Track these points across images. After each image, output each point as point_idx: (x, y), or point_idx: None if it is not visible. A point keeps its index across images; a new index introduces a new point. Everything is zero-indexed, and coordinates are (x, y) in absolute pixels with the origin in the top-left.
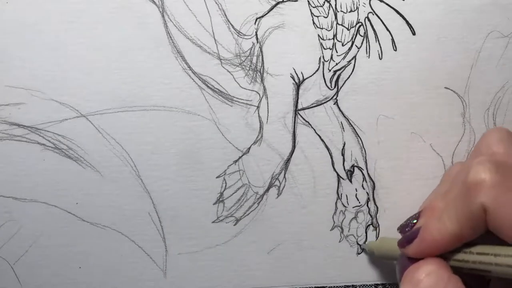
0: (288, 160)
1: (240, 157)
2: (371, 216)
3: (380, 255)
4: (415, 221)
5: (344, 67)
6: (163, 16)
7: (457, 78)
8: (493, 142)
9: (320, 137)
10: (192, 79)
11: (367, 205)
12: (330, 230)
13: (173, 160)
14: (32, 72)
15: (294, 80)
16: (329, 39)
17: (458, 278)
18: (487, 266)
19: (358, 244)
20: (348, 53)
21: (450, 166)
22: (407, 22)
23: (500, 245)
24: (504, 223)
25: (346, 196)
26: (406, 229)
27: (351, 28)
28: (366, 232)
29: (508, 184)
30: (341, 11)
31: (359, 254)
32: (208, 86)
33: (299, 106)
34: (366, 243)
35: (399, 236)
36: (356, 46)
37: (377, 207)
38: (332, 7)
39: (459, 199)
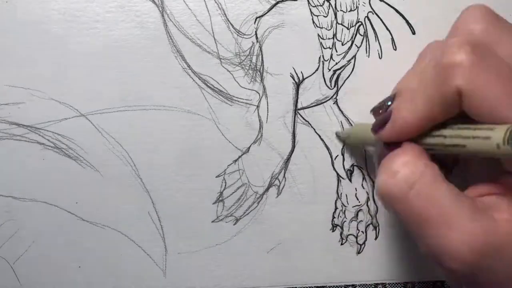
0: (288, 160)
1: (239, 157)
2: (371, 215)
3: (354, 140)
4: (389, 103)
5: (344, 66)
6: (162, 15)
7: None
8: (471, 19)
9: (320, 136)
10: (192, 78)
11: (367, 205)
12: (330, 230)
13: (172, 159)
14: (32, 72)
15: (293, 79)
16: (329, 39)
17: (435, 165)
18: (465, 140)
19: (357, 243)
20: (348, 52)
21: (428, 44)
22: (407, 21)
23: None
24: (482, 104)
25: (346, 195)
26: (380, 111)
27: (351, 27)
28: (366, 232)
29: (484, 64)
30: (341, 10)
31: (359, 253)
32: (207, 86)
33: (299, 106)
34: (341, 130)
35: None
36: (356, 46)
37: (377, 207)
38: (332, 6)
39: (433, 80)
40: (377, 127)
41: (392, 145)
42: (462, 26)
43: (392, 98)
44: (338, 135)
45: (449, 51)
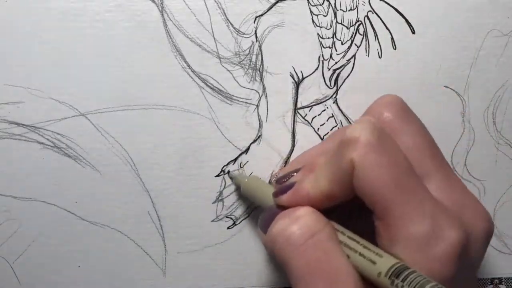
0: (287, 159)
1: (239, 156)
2: None
3: (245, 192)
4: (295, 173)
5: (344, 65)
6: (162, 14)
7: (456, 77)
8: (382, 106)
9: (319, 136)
10: (191, 77)
11: None
12: None
13: (172, 159)
14: (31, 71)
15: (293, 78)
16: (328, 38)
17: (332, 226)
18: (351, 252)
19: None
20: (347, 51)
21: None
22: (406, 21)
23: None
24: (368, 183)
25: None
26: (283, 180)
27: (350, 26)
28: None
29: (380, 146)
30: (340, 9)
31: None
32: (207, 85)
33: (299, 105)
34: (235, 172)
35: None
36: (356, 45)
37: None
38: (331, 5)
39: (334, 155)
40: (279, 193)
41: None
42: (374, 110)
43: (297, 170)
44: (231, 176)
45: (352, 127)
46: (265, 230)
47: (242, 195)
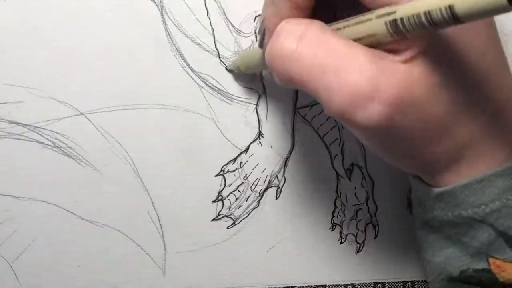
0: (287, 159)
1: (239, 155)
2: (370, 214)
3: (245, 67)
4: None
5: None
6: (162, 14)
7: None
8: None
9: (319, 135)
10: (191, 77)
11: (367, 204)
12: (329, 229)
13: (172, 158)
14: (31, 71)
15: None
16: None
17: (320, 21)
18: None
19: (357, 242)
20: None
21: None
22: None
23: None
24: None
25: (345, 194)
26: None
27: None
28: (365, 231)
29: None
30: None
31: (358, 252)
32: (207, 85)
33: (298, 105)
34: (230, 63)
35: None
36: None
37: (376, 206)
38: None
39: None
40: (261, 41)
41: None
42: None
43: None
44: (228, 69)
45: None
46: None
47: (246, 73)
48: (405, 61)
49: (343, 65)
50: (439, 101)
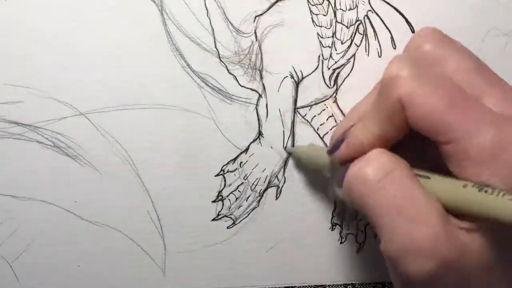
0: (287, 158)
1: (239, 155)
2: None
3: (307, 162)
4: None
5: (343, 65)
6: (162, 14)
7: None
8: (420, 39)
9: (319, 135)
10: (191, 77)
11: None
12: (329, 229)
13: (172, 158)
14: (31, 70)
15: (293, 78)
16: (328, 37)
17: (407, 163)
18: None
19: (357, 242)
20: (347, 51)
21: None
22: (406, 20)
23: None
24: (421, 116)
25: None
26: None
27: (350, 26)
28: (365, 230)
29: (424, 76)
30: (340, 9)
31: (358, 252)
32: (207, 84)
33: (298, 104)
34: (293, 147)
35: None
36: (355, 44)
37: None
38: (331, 5)
39: (378, 99)
40: (332, 149)
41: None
42: (412, 46)
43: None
44: (289, 152)
45: (390, 65)
46: (341, 184)
47: (304, 166)
48: (469, 230)
49: (419, 215)
50: (484, 277)
